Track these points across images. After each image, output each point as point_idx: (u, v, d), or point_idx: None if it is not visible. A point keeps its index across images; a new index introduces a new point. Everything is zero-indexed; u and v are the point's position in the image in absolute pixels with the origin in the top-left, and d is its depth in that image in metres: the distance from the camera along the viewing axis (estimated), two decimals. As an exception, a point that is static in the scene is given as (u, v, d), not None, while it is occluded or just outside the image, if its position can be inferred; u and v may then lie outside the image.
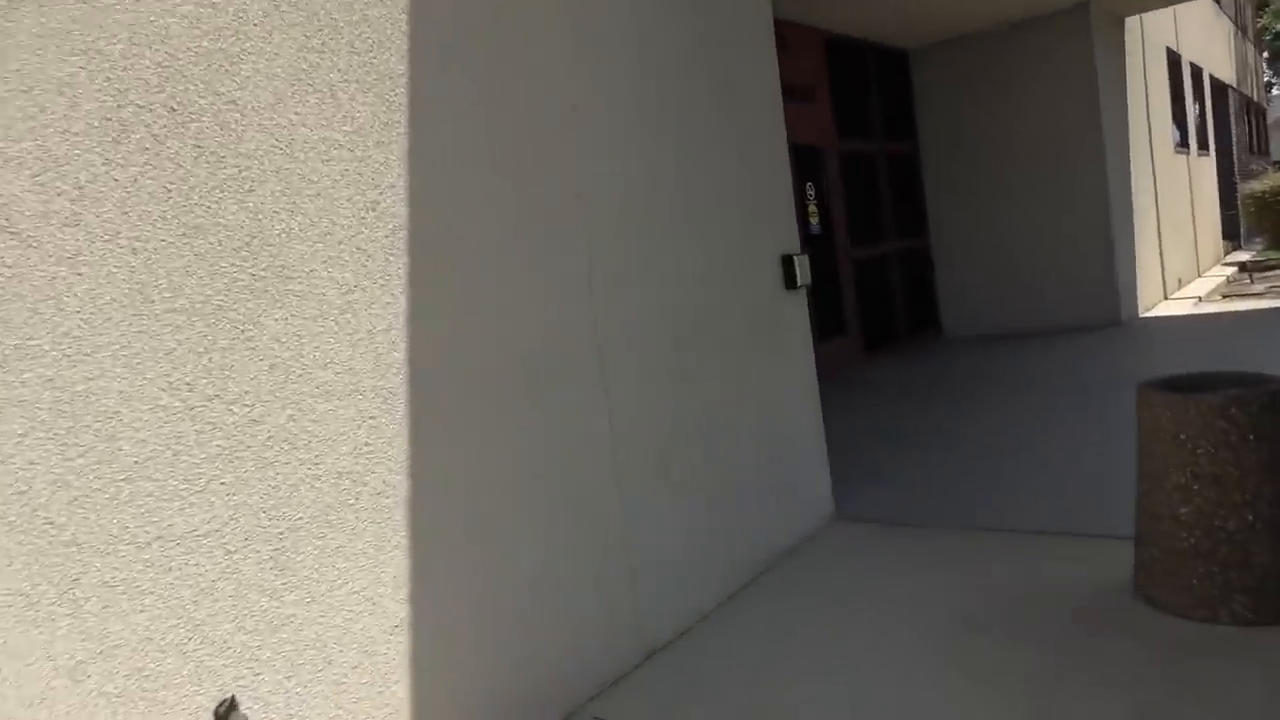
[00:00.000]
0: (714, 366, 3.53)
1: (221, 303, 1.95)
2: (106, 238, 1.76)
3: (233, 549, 1.91)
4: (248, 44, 2.04)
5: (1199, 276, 12.74)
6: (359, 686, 2.12)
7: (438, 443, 2.39)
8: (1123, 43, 9.86)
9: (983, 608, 3.04)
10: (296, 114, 2.13)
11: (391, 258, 2.32)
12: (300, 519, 2.04)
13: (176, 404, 1.85)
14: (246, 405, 1.97)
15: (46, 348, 1.66)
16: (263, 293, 2.03)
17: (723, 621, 3.25)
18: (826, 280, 8.30)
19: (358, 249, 2.24)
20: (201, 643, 1.84)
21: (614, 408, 3.00)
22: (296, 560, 2.02)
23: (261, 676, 1.93)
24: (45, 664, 1.63)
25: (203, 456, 1.88)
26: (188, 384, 1.87)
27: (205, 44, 1.95)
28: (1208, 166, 14.54)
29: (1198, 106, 14.00)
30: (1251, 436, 2.63)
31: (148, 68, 1.85)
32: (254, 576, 1.94)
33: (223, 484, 1.91)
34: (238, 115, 2.01)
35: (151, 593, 1.78)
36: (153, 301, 1.83)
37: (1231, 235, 16.16)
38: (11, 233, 1.63)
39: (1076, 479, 4.30)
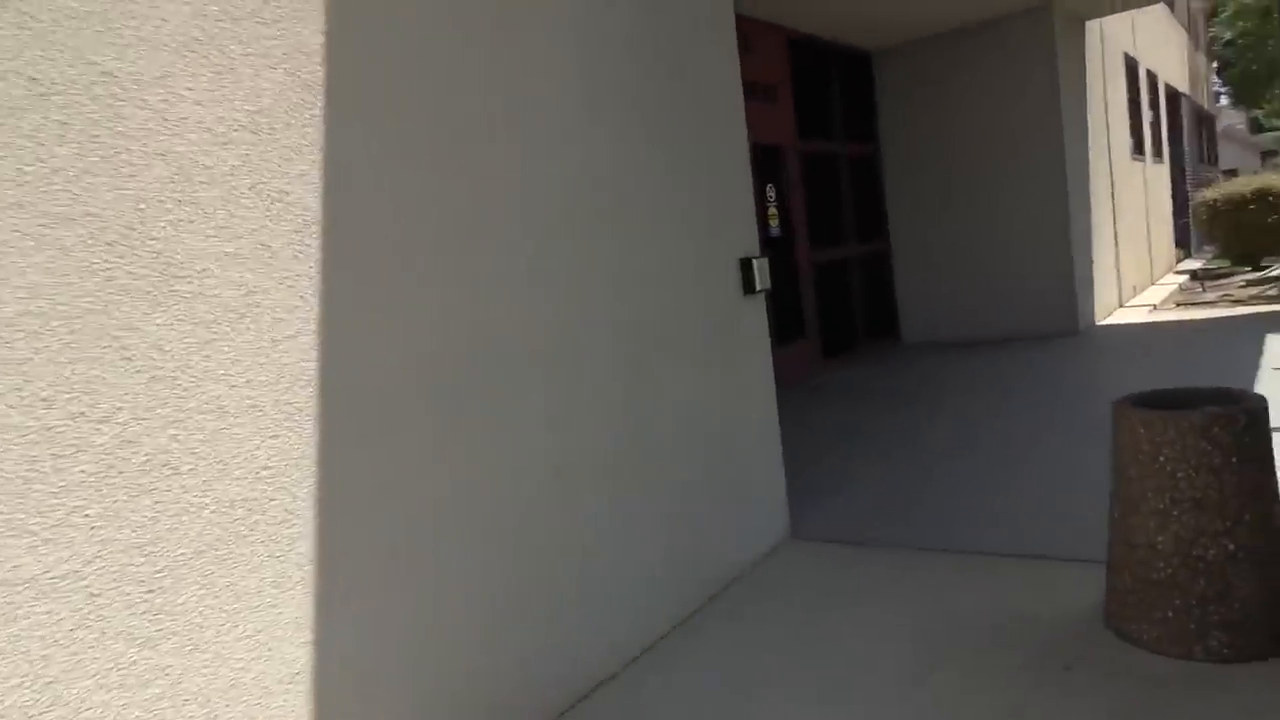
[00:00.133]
0: (666, 376, 3.30)
1: (90, 305, 1.67)
2: (-60, 227, 1.49)
3: (96, 592, 1.64)
4: (129, 5, 1.77)
5: (1152, 284, 12.82)
6: (253, 743, 1.86)
7: (354, 464, 2.13)
8: (1083, 47, 9.83)
9: (944, 640, 2.86)
10: (188, 89, 1.86)
11: (301, 255, 2.05)
12: (182, 555, 1.77)
13: (30, 423, 1.58)
14: (119, 424, 1.70)
15: None
16: (142, 294, 1.76)
17: (673, 651, 3.03)
18: (786, 284, 8.12)
19: (261, 244, 1.97)
20: (52, 703, 1.56)
21: (557, 421, 2.76)
22: (176, 603, 1.75)
23: (131, 739, 1.66)
24: None
25: (61, 485, 1.60)
26: (44, 400, 1.60)
27: (73, 3, 1.68)
28: (1162, 174, 14.67)
29: (1153, 113, 14.11)
30: (1234, 459, 2.47)
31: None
32: (122, 623, 1.67)
33: (86, 516, 1.63)
34: (115, 89, 1.74)
35: (-9, 647, 1.50)
36: (2, 303, 1.56)
37: (1183, 243, 16.37)
38: None
39: (1042, 497, 4.15)
